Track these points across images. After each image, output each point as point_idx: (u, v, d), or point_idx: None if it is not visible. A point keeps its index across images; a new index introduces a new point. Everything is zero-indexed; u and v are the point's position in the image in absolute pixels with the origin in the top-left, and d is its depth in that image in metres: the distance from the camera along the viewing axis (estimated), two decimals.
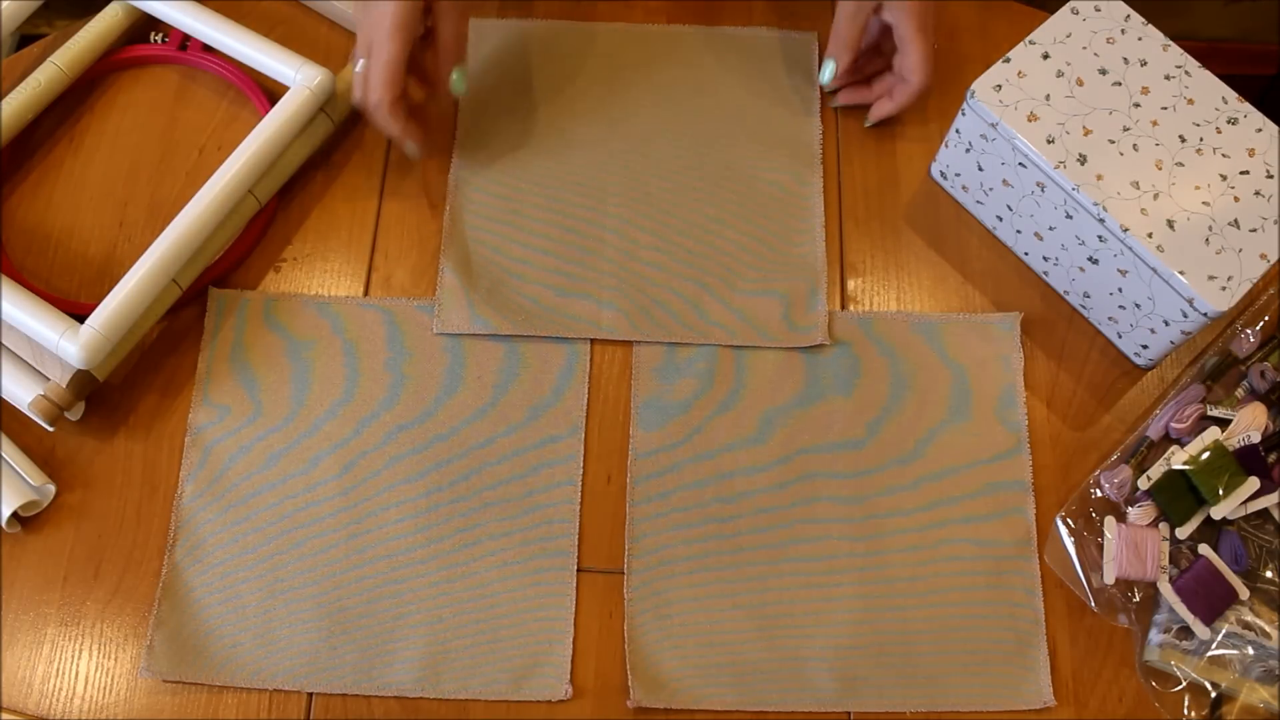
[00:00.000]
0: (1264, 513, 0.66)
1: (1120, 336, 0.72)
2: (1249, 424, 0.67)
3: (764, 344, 0.72)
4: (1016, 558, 0.68)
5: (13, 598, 0.67)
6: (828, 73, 0.76)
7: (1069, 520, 0.68)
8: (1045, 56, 0.68)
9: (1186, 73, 0.68)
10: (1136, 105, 0.67)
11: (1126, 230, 0.64)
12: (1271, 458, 0.67)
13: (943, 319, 0.73)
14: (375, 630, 0.66)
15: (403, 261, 0.75)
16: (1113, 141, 0.66)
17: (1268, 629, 0.64)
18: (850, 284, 0.75)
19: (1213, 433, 0.67)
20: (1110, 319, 0.71)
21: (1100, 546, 0.67)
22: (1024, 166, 0.67)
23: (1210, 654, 0.64)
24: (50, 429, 0.67)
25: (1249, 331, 0.71)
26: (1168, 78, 0.68)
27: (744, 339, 0.72)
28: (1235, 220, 0.64)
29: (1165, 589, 0.65)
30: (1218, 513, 0.65)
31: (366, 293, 0.74)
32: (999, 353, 0.72)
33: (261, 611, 0.66)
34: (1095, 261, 0.68)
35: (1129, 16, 0.70)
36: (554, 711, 0.65)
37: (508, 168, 0.77)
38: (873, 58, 0.78)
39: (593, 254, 0.75)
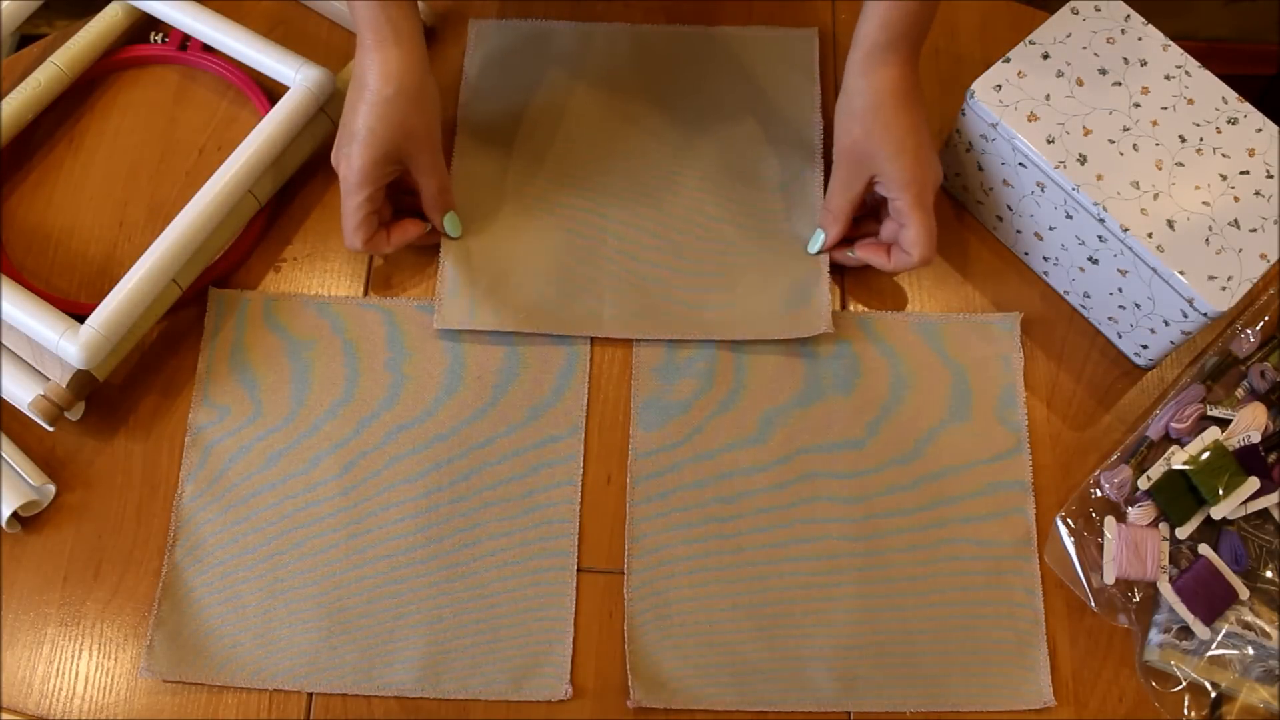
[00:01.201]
0: (1264, 513, 0.66)
1: (1120, 336, 0.72)
2: (1249, 424, 0.67)
3: (766, 337, 0.72)
4: (1016, 558, 0.68)
5: (13, 598, 0.67)
6: (816, 244, 0.73)
7: (1069, 520, 0.68)
8: (1045, 56, 0.68)
9: (1186, 73, 0.68)
10: (1136, 105, 0.67)
11: (1126, 230, 0.64)
12: (1271, 458, 0.67)
13: (943, 319, 0.73)
14: (375, 630, 0.66)
15: (403, 261, 0.75)
16: (1113, 141, 0.66)
17: (1268, 629, 0.64)
18: (850, 284, 0.75)
19: (1213, 433, 0.67)
20: (1110, 319, 0.71)
21: (1100, 546, 0.67)
22: (1024, 166, 0.67)
23: (1210, 654, 0.64)
24: (50, 429, 0.67)
25: (1249, 331, 0.71)
26: (1168, 78, 0.68)
27: (745, 333, 0.72)
28: (1235, 220, 0.64)
29: (1165, 589, 0.65)
30: (1218, 513, 0.65)
31: (366, 293, 0.74)
32: (999, 353, 0.72)
33: (261, 611, 0.66)
34: (1095, 261, 0.68)
35: (1129, 16, 0.70)
36: (554, 711, 0.65)
37: (507, 167, 0.77)
38: (869, 221, 0.73)
39: (592, 254, 0.75)
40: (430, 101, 0.68)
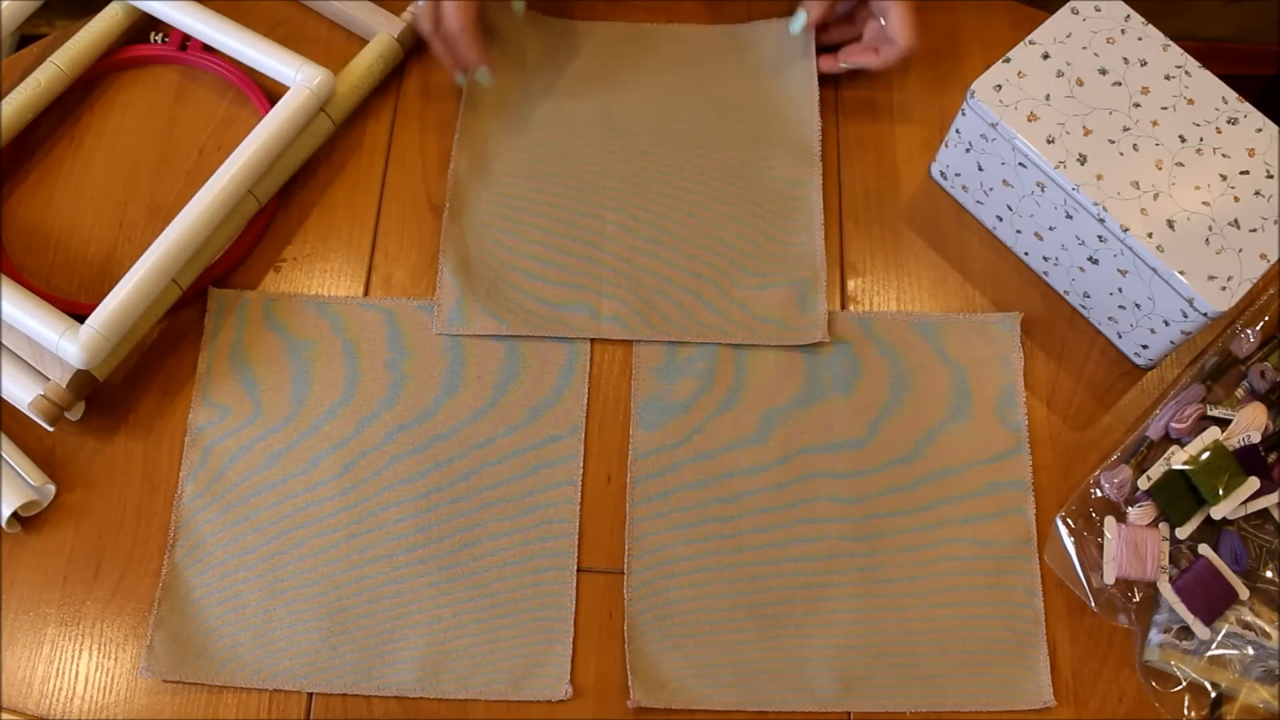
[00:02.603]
0: (1264, 513, 0.66)
1: (1120, 336, 0.72)
2: (1249, 424, 0.67)
3: (763, 342, 0.72)
4: (1016, 558, 0.68)
5: (13, 598, 0.67)
6: (798, 23, 0.77)
7: (1069, 520, 0.68)
8: (1045, 56, 0.68)
9: (1186, 73, 0.68)
10: (1136, 105, 0.67)
11: (1126, 230, 0.64)
12: (1271, 458, 0.67)
13: (943, 319, 0.73)
14: (375, 630, 0.66)
15: (403, 261, 0.75)
16: (1113, 141, 0.66)
17: (1268, 629, 0.64)
18: (850, 284, 0.75)
19: (1213, 433, 0.67)
20: (1110, 319, 0.71)
21: (1100, 546, 0.67)
22: (1024, 166, 0.67)
23: (1210, 654, 0.64)
24: (50, 429, 0.67)
25: (1249, 331, 0.71)
26: (1168, 78, 0.68)
27: (743, 338, 0.72)
28: (1235, 220, 0.64)
29: (1165, 589, 0.65)
30: (1218, 513, 0.65)
31: (366, 293, 0.74)
32: (999, 353, 0.72)
33: (261, 611, 0.66)
34: (1095, 261, 0.68)
35: (1129, 16, 0.70)
36: (554, 711, 0.65)
37: (507, 167, 0.77)
38: (848, 27, 0.79)
39: (591, 257, 0.74)
40: None
